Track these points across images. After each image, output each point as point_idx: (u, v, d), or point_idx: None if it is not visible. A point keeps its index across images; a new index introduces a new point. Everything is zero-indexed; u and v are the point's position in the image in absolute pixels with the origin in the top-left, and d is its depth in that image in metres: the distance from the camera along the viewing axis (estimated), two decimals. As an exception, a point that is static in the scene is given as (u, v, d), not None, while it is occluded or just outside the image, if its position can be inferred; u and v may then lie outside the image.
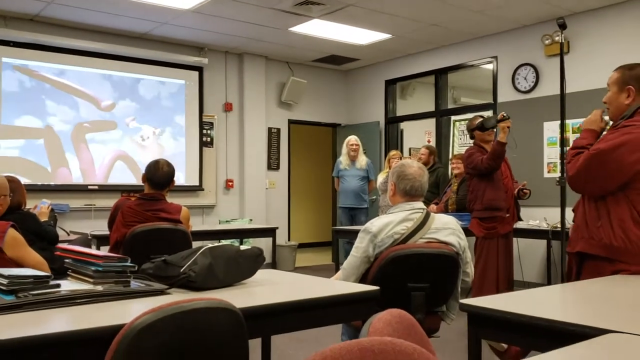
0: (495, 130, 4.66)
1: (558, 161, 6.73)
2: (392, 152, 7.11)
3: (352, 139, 7.20)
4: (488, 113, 7.56)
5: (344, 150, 7.21)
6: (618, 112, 2.57)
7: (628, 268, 2.35)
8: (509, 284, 4.47)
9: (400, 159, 6.54)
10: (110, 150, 7.46)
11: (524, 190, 4.61)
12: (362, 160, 7.12)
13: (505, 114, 4.45)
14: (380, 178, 6.88)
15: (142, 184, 3.84)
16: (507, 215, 4.43)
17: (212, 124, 8.33)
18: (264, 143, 8.79)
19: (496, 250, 4.37)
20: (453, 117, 8.41)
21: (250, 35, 7.61)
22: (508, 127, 4.38)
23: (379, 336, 1.10)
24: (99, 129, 7.40)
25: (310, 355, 0.96)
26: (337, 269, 4.66)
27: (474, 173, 4.59)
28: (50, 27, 7.00)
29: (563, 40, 3.18)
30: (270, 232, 6.41)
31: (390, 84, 9.11)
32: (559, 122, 6.35)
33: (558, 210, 3.45)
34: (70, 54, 7.14)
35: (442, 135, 8.46)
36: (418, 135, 9.62)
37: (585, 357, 1.16)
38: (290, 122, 9.22)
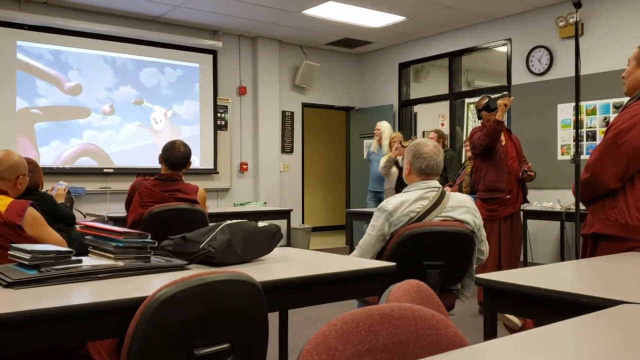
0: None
1: (572, 143, 6.70)
2: (393, 135, 6.83)
3: (378, 124, 7.20)
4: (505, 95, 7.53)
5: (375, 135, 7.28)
6: (632, 86, 2.59)
7: (642, 245, 2.37)
8: (512, 266, 4.46)
9: (401, 142, 6.46)
10: (121, 134, 7.53)
11: (528, 173, 4.55)
12: (386, 145, 7.12)
13: (506, 93, 4.42)
14: (382, 161, 6.70)
15: (157, 168, 3.87)
16: (508, 197, 4.40)
17: (226, 107, 8.36)
18: (278, 126, 8.81)
19: (497, 233, 4.37)
20: (467, 100, 8.37)
21: (263, 19, 7.60)
22: (505, 105, 4.34)
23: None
24: (109, 113, 7.47)
25: (331, 319, 1.00)
26: (352, 252, 4.70)
27: (476, 153, 4.60)
28: (64, 10, 7.03)
29: (578, 19, 3.15)
30: (284, 215, 6.45)
31: (404, 67, 9.07)
32: (573, 104, 6.33)
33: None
34: (82, 37, 7.17)
35: (456, 118, 8.44)
36: (432, 119, 9.59)
37: (596, 326, 1.18)
38: (304, 105, 9.23)
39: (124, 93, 7.51)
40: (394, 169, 6.40)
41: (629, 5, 6.28)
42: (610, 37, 6.39)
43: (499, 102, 4.39)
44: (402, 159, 6.32)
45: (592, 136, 6.58)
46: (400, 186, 6.22)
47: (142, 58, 7.62)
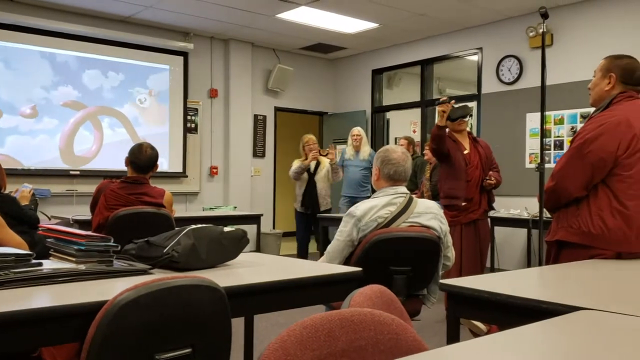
0: (466, 119, 4.67)
1: (539, 152, 6.81)
2: (307, 138, 6.65)
3: (356, 130, 7.21)
4: (472, 104, 7.63)
5: (349, 140, 7.25)
6: (598, 98, 2.65)
7: (603, 253, 2.41)
8: (475, 272, 4.50)
9: (315, 144, 6.52)
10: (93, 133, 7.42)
11: (488, 182, 4.59)
12: (366, 151, 7.13)
13: (446, 98, 4.48)
14: (294, 165, 6.54)
15: (125, 171, 3.82)
16: (464, 204, 4.46)
17: (196, 110, 8.29)
18: (250, 130, 8.78)
19: (459, 238, 4.41)
20: (438, 108, 8.44)
21: (236, 21, 7.57)
22: (444, 112, 4.40)
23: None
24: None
25: (292, 325, 0.99)
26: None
27: (437, 160, 4.72)
28: (32, 8, 6.91)
29: (545, 29, 3.20)
30: (255, 220, 6.42)
31: (377, 73, 9.13)
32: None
33: (538, 199, 3.50)
34: (51, 37, 7.05)
35: (427, 125, 8.52)
36: (404, 125, 9.67)
37: (554, 332, 1.20)
38: (277, 109, 9.22)
39: (88, 94, 7.40)
40: (305, 175, 6.48)
41: (597, 16, 6.43)
42: (578, 47, 6.52)
43: (438, 107, 4.47)
44: (316, 164, 6.36)
45: (559, 145, 6.70)
46: (310, 192, 6.39)
47: (111, 59, 7.51)
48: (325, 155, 6.51)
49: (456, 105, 4.53)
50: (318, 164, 6.53)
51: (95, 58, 7.39)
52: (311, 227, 6.62)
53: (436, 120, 4.57)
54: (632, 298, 1.67)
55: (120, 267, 2.06)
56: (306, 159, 6.51)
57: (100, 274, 1.96)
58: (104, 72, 7.47)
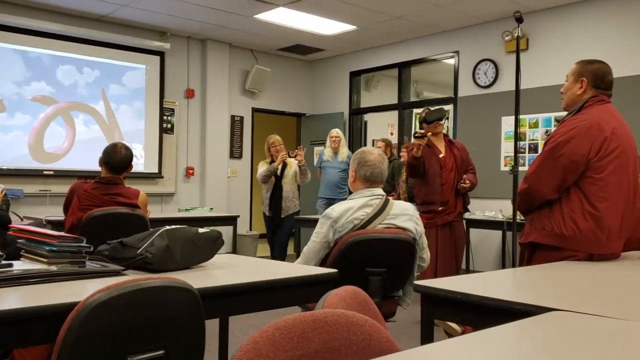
0: (442, 122, 4.73)
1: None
2: (273, 139, 6.41)
3: (334, 132, 7.21)
4: (449, 107, 7.70)
5: (327, 142, 7.25)
6: (570, 102, 2.69)
7: (575, 254, 2.45)
8: (449, 274, 4.54)
9: (282, 144, 6.27)
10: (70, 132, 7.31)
11: (462, 185, 4.64)
12: (344, 152, 7.14)
13: (423, 132, 4.52)
14: (258, 171, 6.34)
15: (99, 171, 3.77)
16: (441, 208, 4.52)
17: (173, 110, 8.23)
18: (227, 131, 8.73)
19: (435, 240, 4.46)
20: (415, 110, 8.51)
21: (213, 21, 7.53)
22: (420, 145, 4.46)
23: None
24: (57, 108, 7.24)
25: (264, 326, 0.98)
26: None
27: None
28: (6, 5, 6.79)
29: (520, 34, 3.25)
30: (231, 221, 6.39)
31: (354, 75, 9.15)
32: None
33: (513, 201, 3.54)
34: (26, 34, 6.93)
35: (405, 128, 8.57)
36: (381, 127, 9.71)
37: (525, 333, 1.21)
38: (254, 110, 9.18)
39: (61, 89, 7.29)
40: (272, 178, 6.25)
41: (571, 21, 6.53)
42: (553, 52, 6.62)
43: (415, 141, 4.51)
44: (282, 166, 6.19)
45: (534, 148, 6.79)
46: (276, 195, 6.19)
47: (86, 57, 7.42)
48: (294, 157, 6.26)
49: (432, 108, 4.58)
50: (285, 166, 6.32)
51: (70, 56, 7.29)
52: (277, 230, 6.40)
53: (412, 140, 4.63)
54: (603, 299, 1.70)
55: (93, 268, 2.03)
56: (272, 160, 6.27)
57: (72, 275, 1.94)
58: (78, 68, 7.37)
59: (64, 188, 6.60)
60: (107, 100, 7.61)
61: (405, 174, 6.20)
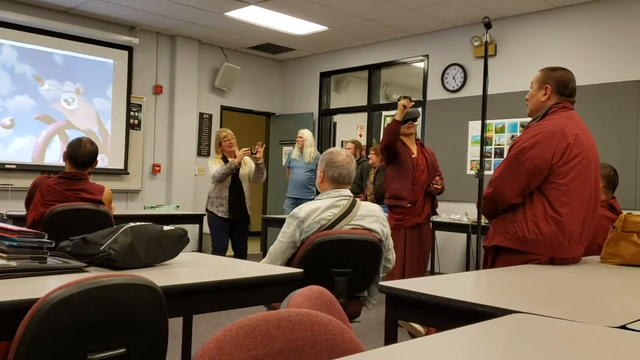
0: (416, 123, 4.79)
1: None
2: (224, 132, 5.85)
3: (300, 132, 7.23)
4: (418, 109, 7.77)
5: (297, 142, 7.26)
6: (534, 108, 2.75)
7: (538, 258, 2.50)
8: (417, 275, 4.59)
9: (234, 139, 5.77)
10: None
11: (434, 186, 4.69)
12: (310, 153, 7.14)
13: (409, 97, 4.60)
14: (213, 168, 5.74)
15: (63, 166, 3.70)
16: (409, 205, 4.54)
17: (140, 106, 8.12)
18: (195, 128, 8.65)
19: (403, 241, 4.50)
20: (384, 113, 8.57)
21: (183, 17, 7.46)
22: (404, 106, 4.49)
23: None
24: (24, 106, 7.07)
25: (228, 324, 0.98)
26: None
27: (383, 158, 4.76)
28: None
29: (488, 39, 3.30)
30: (197, 219, 6.34)
31: (325, 76, 9.17)
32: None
33: (478, 204, 3.60)
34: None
35: (374, 129, 8.62)
36: (351, 129, 9.76)
37: (486, 334, 1.23)
38: (223, 108, 9.12)
39: (30, 86, 7.14)
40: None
41: (538, 29, 6.65)
42: (521, 58, 6.74)
43: (399, 102, 4.55)
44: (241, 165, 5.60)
45: (500, 153, 6.90)
46: (237, 195, 5.70)
47: (52, 50, 7.27)
48: (254, 154, 5.72)
49: (413, 99, 4.64)
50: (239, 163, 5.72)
51: (35, 49, 7.13)
52: (234, 235, 5.82)
53: (395, 116, 4.61)
54: (563, 302, 1.74)
55: (54, 264, 1.99)
56: (224, 157, 5.74)
57: (33, 271, 1.89)
58: (43, 63, 7.21)
59: (26, 182, 6.47)
60: (72, 94, 7.46)
61: (372, 175, 6.24)
